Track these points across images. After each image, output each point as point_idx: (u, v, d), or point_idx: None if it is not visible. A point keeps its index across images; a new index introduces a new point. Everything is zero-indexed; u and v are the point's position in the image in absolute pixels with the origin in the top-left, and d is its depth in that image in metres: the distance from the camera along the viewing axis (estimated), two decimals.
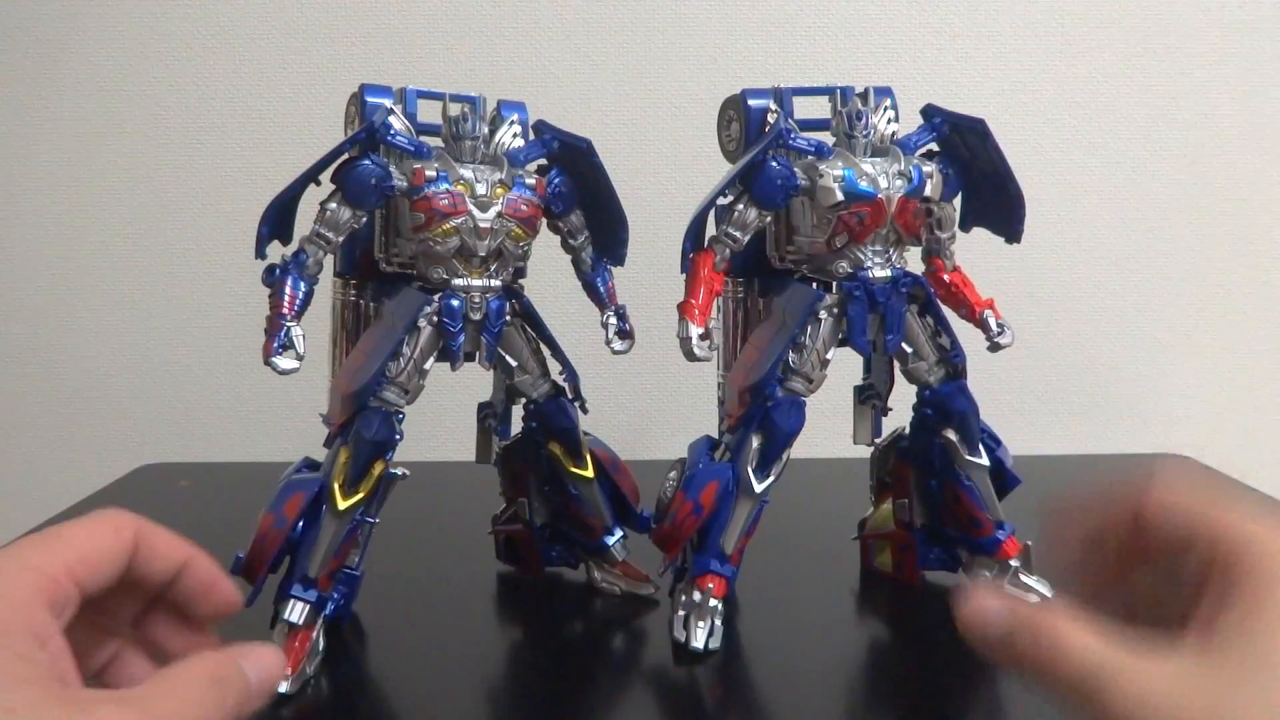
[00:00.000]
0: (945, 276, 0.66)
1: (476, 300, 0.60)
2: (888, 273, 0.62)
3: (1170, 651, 0.32)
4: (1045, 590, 0.65)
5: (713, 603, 0.61)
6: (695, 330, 0.60)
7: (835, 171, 0.60)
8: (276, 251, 0.58)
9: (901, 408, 0.68)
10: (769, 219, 0.63)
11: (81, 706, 0.30)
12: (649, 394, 1.08)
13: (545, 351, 0.65)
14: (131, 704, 0.31)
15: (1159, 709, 0.30)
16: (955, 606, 0.34)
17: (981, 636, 0.34)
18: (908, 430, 0.68)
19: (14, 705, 0.29)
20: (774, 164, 0.61)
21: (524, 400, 0.65)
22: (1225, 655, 0.31)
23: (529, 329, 0.64)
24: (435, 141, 0.60)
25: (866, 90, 0.65)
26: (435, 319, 0.59)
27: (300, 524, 0.57)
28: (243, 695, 0.34)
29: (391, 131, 0.58)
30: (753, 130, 0.65)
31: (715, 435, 0.66)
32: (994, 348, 0.65)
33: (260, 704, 0.35)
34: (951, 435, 0.65)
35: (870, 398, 0.69)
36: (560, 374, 0.65)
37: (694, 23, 1.04)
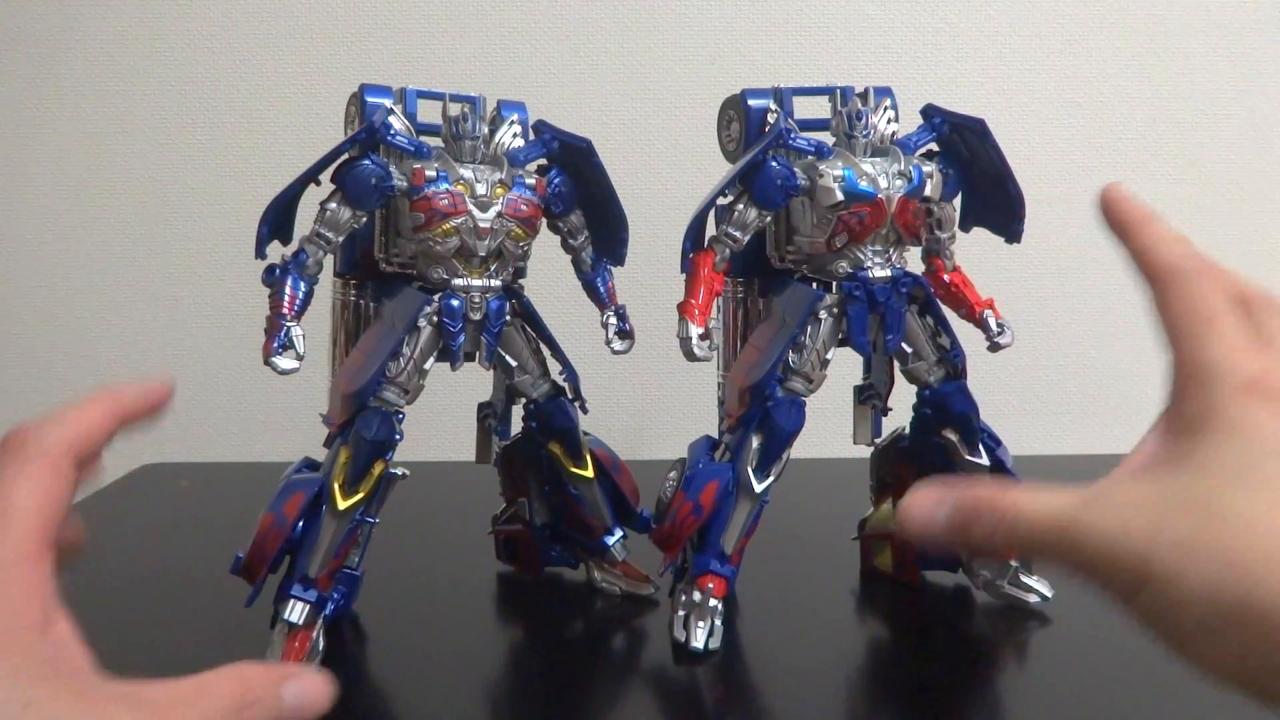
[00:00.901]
0: (945, 276, 0.66)
1: (476, 300, 0.60)
2: (888, 273, 0.62)
3: (1129, 477, 0.33)
4: (1045, 590, 0.66)
5: (713, 603, 0.61)
6: (695, 330, 0.60)
7: (835, 171, 0.60)
8: (276, 251, 0.58)
9: (901, 408, 0.68)
10: (769, 219, 0.63)
11: (97, 705, 0.29)
12: (649, 394, 1.09)
13: (545, 351, 0.65)
14: (146, 710, 0.30)
15: (1134, 526, 0.30)
16: (899, 512, 0.34)
17: (928, 528, 0.34)
18: (908, 430, 0.68)
19: (30, 699, 0.28)
20: (774, 164, 0.61)
21: (524, 400, 0.65)
22: (1188, 459, 0.32)
23: (529, 329, 0.64)
24: (435, 141, 0.60)
25: (866, 90, 0.65)
26: (435, 319, 0.59)
27: (300, 524, 0.57)
28: None
29: (391, 131, 0.58)
30: (753, 130, 0.65)
31: (715, 435, 0.66)
32: (994, 348, 0.65)
33: None
34: (951, 435, 0.65)
35: (870, 398, 0.69)
36: (560, 374, 0.65)
37: (694, 23, 1.04)
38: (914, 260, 0.66)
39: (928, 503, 0.34)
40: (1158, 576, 0.29)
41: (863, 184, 0.60)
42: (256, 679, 0.32)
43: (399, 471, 0.61)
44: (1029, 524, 0.33)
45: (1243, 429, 0.32)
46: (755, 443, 0.62)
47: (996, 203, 0.65)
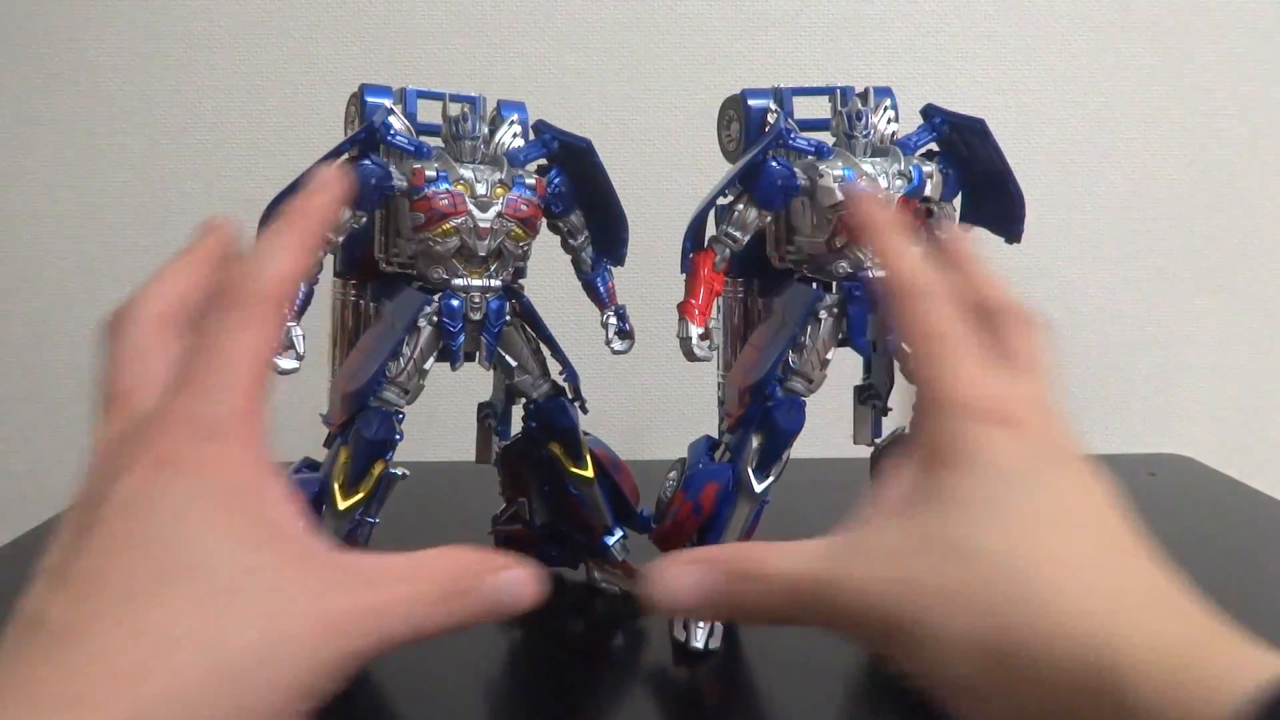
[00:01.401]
0: None
1: (476, 300, 0.60)
2: None
3: (880, 517, 0.31)
4: None
5: None
6: (695, 330, 0.60)
7: (835, 171, 0.60)
8: None
9: (901, 408, 0.68)
10: (769, 219, 0.63)
11: (316, 572, 0.29)
12: (649, 394, 1.09)
13: (545, 351, 0.65)
14: (361, 581, 0.29)
15: (888, 574, 0.29)
16: (644, 589, 0.32)
17: (677, 598, 0.32)
18: (908, 430, 0.68)
19: (254, 565, 0.28)
20: (774, 164, 0.61)
21: (524, 400, 0.65)
22: (935, 495, 0.30)
23: (529, 329, 0.64)
24: (435, 141, 0.60)
25: (866, 90, 0.65)
26: (435, 319, 0.59)
27: None
28: (478, 612, 0.32)
29: (391, 131, 0.58)
30: (753, 130, 0.65)
31: (715, 435, 0.66)
32: None
33: (499, 618, 0.33)
34: None
35: (870, 398, 0.69)
36: (560, 374, 0.65)
37: (694, 23, 1.04)
38: None
39: (672, 571, 0.31)
40: (918, 628, 0.28)
41: (863, 184, 0.60)
42: (471, 566, 0.32)
43: (399, 471, 0.61)
44: (781, 582, 0.30)
45: (983, 458, 0.30)
46: (755, 443, 0.62)
47: (996, 203, 0.65)
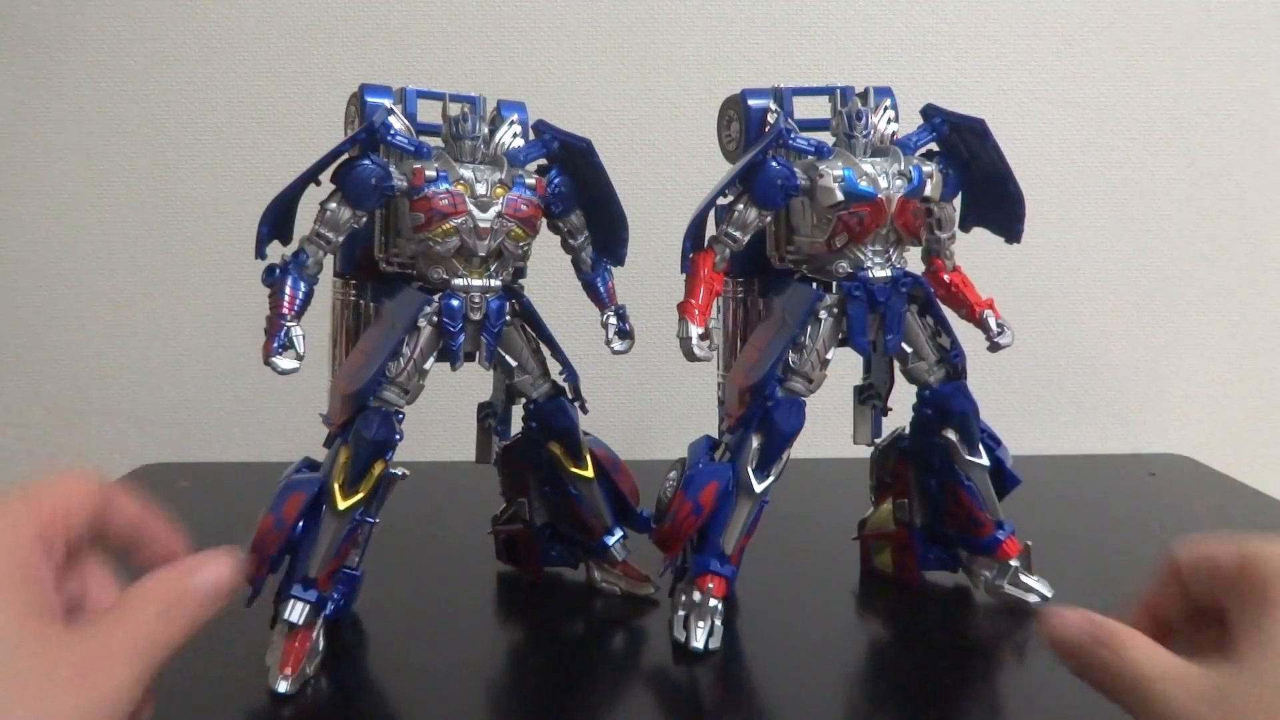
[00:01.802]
0: (945, 276, 0.66)
1: (476, 300, 0.60)
2: (888, 273, 0.62)
3: (1211, 663, 0.35)
4: (1045, 590, 0.66)
5: (713, 603, 0.61)
6: (695, 330, 0.60)
7: (835, 171, 0.60)
8: (276, 251, 0.57)
9: (901, 408, 0.68)
10: (769, 219, 0.63)
11: (61, 640, 0.34)
12: (649, 394, 1.09)
13: (545, 351, 0.65)
14: (93, 640, 0.34)
15: (1192, 712, 0.34)
16: (1039, 622, 0.40)
17: (1061, 641, 0.39)
18: (908, 430, 0.68)
19: (8, 637, 0.32)
20: (774, 164, 0.61)
21: (524, 400, 0.65)
22: (1251, 665, 0.34)
23: (529, 329, 0.64)
24: (435, 141, 0.60)
25: (866, 90, 0.65)
26: (435, 319, 0.59)
27: (300, 524, 0.57)
28: (195, 611, 0.37)
29: (391, 131, 0.58)
30: (753, 130, 0.65)
31: (715, 435, 0.66)
32: (994, 348, 0.65)
33: (219, 606, 0.38)
34: (951, 435, 0.65)
35: (870, 398, 0.69)
36: (560, 374, 0.65)
37: (694, 23, 1.04)
38: (914, 260, 0.66)
39: (1069, 615, 0.39)
40: None
41: (863, 184, 0.60)
42: (168, 584, 0.37)
43: (399, 471, 0.61)
44: (1131, 669, 0.36)
45: None
46: (755, 443, 0.62)
47: (996, 203, 0.65)
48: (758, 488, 0.62)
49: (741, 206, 0.62)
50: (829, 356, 0.63)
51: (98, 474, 0.40)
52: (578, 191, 0.64)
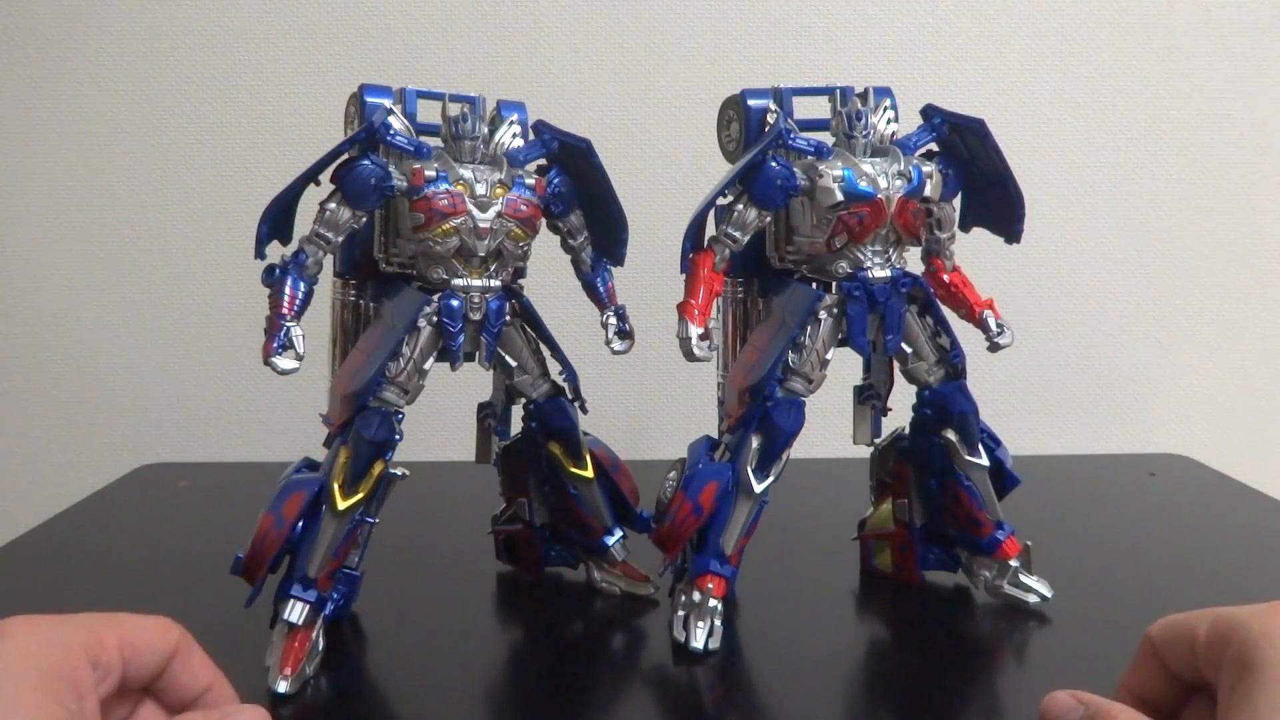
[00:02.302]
0: (945, 277, 0.66)
1: (476, 300, 0.60)
2: (887, 273, 0.62)
3: None
4: (1045, 590, 0.65)
5: (712, 603, 0.61)
6: (695, 330, 0.60)
7: (835, 172, 0.60)
8: (276, 251, 0.58)
9: (901, 408, 0.68)
10: (769, 219, 0.63)
11: None
12: (649, 394, 1.09)
13: (545, 351, 0.65)
14: None
15: None
16: (1039, 709, 0.42)
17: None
18: (908, 430, 0.68)
19: None
20: (774, 164, 0.61)
21: (524, 400, 0.65)
22: None
23: (529, 329, 0.64)
24: (435, 141, 0.60)
25: (866, 90, 0.65)
26: (435, 319, 0.59)
27: (300, 524, 0.57)
28: None
29: (391, 131, 0.58)
30: (752, 130, 0.65)
31: (715, 435, 0.66)
32: (994, 348, 0.65)
33: None
34: (951, 435, 0.65)
35: (870, 398, 0.69)
36: (560, 374, 0.65)
37: (694, 23, 1.04)
38: (914, 260, 0.66)
39: (1064, 700, 0.40)
40: None
41: (862, 184, 0.60)
42: None
43: (399, 471, 0.61)
44: None
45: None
46: (755, 443, 0.62)
47: (996, 203, 0.65)
48: (757, 488, 0.62)
49: (741, 207, 0.62)
50: (829, 357, 0.63)
51: (180, 627, 0.41)
52: (577, 191, 0.64)
